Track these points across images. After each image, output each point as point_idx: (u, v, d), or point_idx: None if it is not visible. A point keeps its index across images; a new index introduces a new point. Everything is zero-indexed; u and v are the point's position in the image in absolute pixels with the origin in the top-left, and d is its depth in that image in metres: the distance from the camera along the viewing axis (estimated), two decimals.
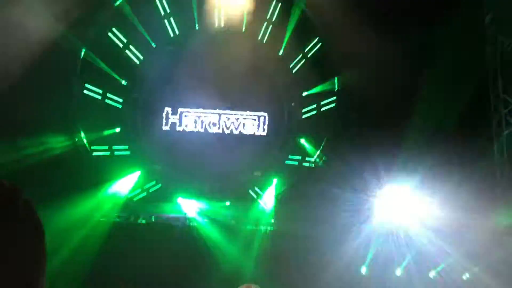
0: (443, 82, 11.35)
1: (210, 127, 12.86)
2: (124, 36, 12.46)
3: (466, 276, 11.26)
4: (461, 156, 11.03)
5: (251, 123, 12.95)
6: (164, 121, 12.80)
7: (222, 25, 12.89)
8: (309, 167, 12.96)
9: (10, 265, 0.99)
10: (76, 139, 12.25)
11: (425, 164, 11.16)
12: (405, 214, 11.66)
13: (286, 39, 12.78)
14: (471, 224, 10.84)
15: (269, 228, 12.09)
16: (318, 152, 12.87)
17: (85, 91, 12.35)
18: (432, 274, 11.56)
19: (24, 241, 1.04)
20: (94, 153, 12.45)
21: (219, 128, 12.89)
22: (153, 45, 12.67)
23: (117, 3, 12.13)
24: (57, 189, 10.92)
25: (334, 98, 12.79)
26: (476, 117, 12.14)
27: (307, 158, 12.98)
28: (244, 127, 12.92)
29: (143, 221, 12.04)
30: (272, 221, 12.25)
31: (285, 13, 12.67)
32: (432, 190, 11.15)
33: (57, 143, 11.72)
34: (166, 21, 12.65)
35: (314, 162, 12.89)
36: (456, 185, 10.59)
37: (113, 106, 12.62)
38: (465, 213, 10.51)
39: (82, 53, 12.17)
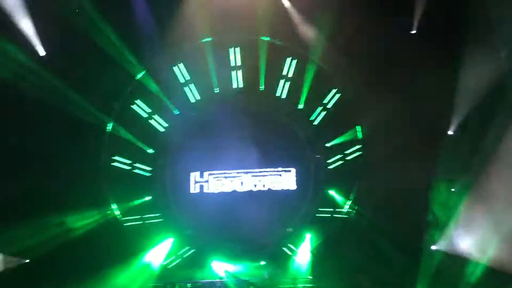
0: (467, 123, 11.26)
1: (238, 187, 12.94)
2: (148, 106, 12.83)
3: None
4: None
5: (279, 179, 12.99)
6: (192, 185, 12.94)
7: (241, 85, 13.19)
8: (341, 218, 12.79)
9: None
10: (108, 211, 12.41)
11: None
12: None
13: (304, 93, 12.98)
14: None
15: (307, 285, 11.81)
16: (348, 202, 12.74)
17: (114, 163, 12.62)
18: None
19: None
20: (127, 224, 12.55)
21: (247, 187, 12.96)
22: (176, 112, 13.00)
23: (139, 76, 12.57)
24: (93, 264, 11.03)
25: (358, 146, 12.77)
26: None
27: (338, 209, 12.84)
28: (272, 183, 12.96)
29: None
30: (310, 277, 11.98)
31: (300, 68, 12.92)
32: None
33: (90, 217, 11.88)
34: (187, 87, 13.03)
35: (346, 212, 12.73)
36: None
37: (141, 175, 12.85)
38: None
39: (109, 126, 12.54)
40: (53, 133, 11.56)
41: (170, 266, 12.45)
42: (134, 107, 12.75)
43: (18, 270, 11.21)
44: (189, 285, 11.88)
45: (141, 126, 12.82)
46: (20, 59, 10.93)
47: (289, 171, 13.04)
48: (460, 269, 10.86)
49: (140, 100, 12.78)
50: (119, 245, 11.97)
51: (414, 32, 11.81)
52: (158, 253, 12.22)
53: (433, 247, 11.44)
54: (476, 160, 10.69)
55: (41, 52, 11.31)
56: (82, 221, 11.68)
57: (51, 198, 11.42)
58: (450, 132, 11.61)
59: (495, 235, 10.30)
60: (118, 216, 12.52)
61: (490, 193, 10.23)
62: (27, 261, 11.35)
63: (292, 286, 11.78)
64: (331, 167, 13.00)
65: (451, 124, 11.56)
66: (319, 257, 12.13)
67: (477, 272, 10.69)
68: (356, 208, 12.62)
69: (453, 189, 11.38)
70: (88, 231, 11.70)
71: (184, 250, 12.63)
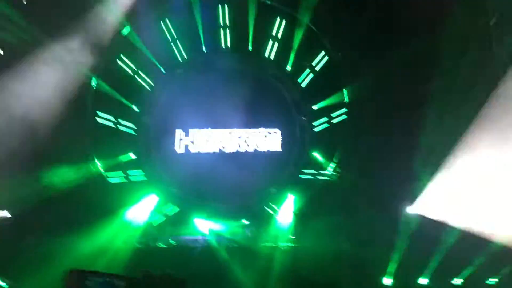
0: (452, 86, 11.30)
1: (223, 147, 12.97)
2: (133, 63, 12.64)
3: None
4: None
5: (264, 139, 13.03)
6: (177, 144, 12.93)
7: (229, 45, 13.02)
8: (324, 180, 12.93)
9: None
10: (92, 167, 12.38)
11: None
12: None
13: (292, 55, 12.89)
14: None
15: (289, 244, 12.04)
16: (332, 165, 12.86)
17: (98, 119, 12.50)
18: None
19: None
20: (111, 180, 12.56)
21: (232, 147, 12.98)
22: (162, 70, 12.83)
23: (125, 31, 12.32)
24: (77, 219, 11.09)
25: (344, 110, 12.80)
26: None
27: (321, 172, 12.97)
28: (258, 145, 13.00)
29: (163, 245, 12.07)
30: (291, 237, 12.20)
31: (290, 29, 12.78)
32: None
33: (74, 172, 11.83)
34: (173, 45, 12.82)
35: (329, 175, 12.87)
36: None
37: (126, 132, 12.77)
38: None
39: (93, 82, 12.35)
40: (37, 87, 11.35)
41: (153, 223, 12.56)
42: (119, 63, 12.55)
43: (1, 224, 11.23)
44: (171, 241, 12.08)
45: (126, 83, 12.64)
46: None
47: (275, 132, 13.08)
48: (438, 232, 11.15)
49: (125, 56, 12.57)
50: (103, 201, 11.97)
51: None
52: (142, 210, 12.28)
53: (412, 210, 11.66)
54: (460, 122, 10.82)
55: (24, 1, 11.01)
56: (66, 176, 11.61)
57: (35, 152, 11.31)
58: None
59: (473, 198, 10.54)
60: (102, 173, 12.51)
61: (474, 153, 10.41)
62: (9, 216, 11.35)
63: (273, 245, 11.98)
64: (316, 129, 13.06)
65: (435, 89, 11.59)
66: (301, 217, 12.32)
67: (453, 235, 10.99)
68: (339, 171, 12.76)
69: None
70: (72, 186, 11.62)
71: (167, 208, 12.72)
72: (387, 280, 11.57)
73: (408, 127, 11.57)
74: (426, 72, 11.60)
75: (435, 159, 11.25)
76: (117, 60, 12.54)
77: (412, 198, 11.67)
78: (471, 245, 10.81)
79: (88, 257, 10.67)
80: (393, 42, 11.60)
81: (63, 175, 11.56)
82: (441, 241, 11.24)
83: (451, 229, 11.13)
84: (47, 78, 11.26)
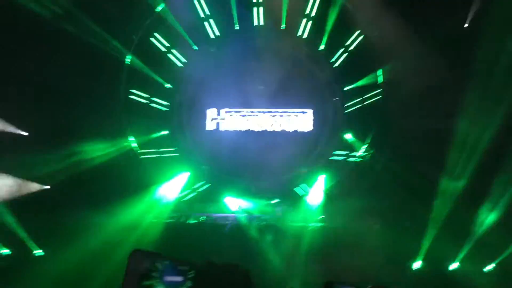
0: (490, 70, 10.95)
1: (254, 126, 12.96)
2: (167, 40, 12.66)
3: None
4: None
5: (295, 119, 12.96)
6: (209, 121, 12.99)
7: (262, 23, 12.89)
8: (355, 162, 12.83)
9: None
10: (125, 143, 12.56)
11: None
12: None
13: (326, 34, 12.68)
14: None
15: (318, 224, 12.05)
16: (364, 146, 12.73)
17: (131, 96, 12.62)
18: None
19: None
20: (143, 156, 12.74)
21: (263, 126, 12.96)
22: (195, 47, 12.83)
23: (158, 8, 12.32)
24: (110, 193, 11.29)
25: (378, 91, 12.59)
26: None
27: (352, 153, 12.87)
28: (289, 124, 12.94)
29: (194, 221, 12.25)
30: (321, 217, 12.20)
31: (324, 7, 12.55)
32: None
33: (107, 148, 12.04)
34: (206, 23, 12.78)
35: (361, 156, 12.75)
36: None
37: (159, 109, 12.88)
38: None
39: (127, 59, 12.45)
40: (72, 64, 11.50)
41: (185, 199, 12.74)
42: (152, 40, 12.59)
43: (34, 196, 11.54)
44: (203, 217, 12.23)
45: (159, 61, 12.70)
46: None
47: (306, 112, 13.00)
48: (472, 217, 10.98)
49: (159, 33, 12.60)
50: (136, 177, 12.22)
51: None
52: (174, 186, 12.46)
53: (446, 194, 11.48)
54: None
55: None
56: (99, 152, 11.83)
57: (70, 127, 11.53)
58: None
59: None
60: (135, 148, 12.69)
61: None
62: (46, 187, 11.66)
63: (303, 224, 12.01)
64: (348, 110, 12.91)
65: (472, 72, 11.27)
66: (332, 198, 12.29)
67: (489, 220, 10.81)
68: (371, 152, 12.63)
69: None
70: (105, 161, 11.87)
71: (199, 184, 12.87)
72: (416, 264, 11.47)
73: (442, 110, 11.32)
74: (462, 55, 11.28)
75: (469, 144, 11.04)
76: (151, 37, 12.56)
77: (444, 183, 11.48)
78: (505, 231, 10.63)
79: (119, 232, 10.91)
80: (430, 23, 11.27)
81: (97, 151, 11.78)
82: (474, 226, 11.08)
83: (483, 214, 10.96)
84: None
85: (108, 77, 12.30)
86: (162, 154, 12.88)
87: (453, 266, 11.39)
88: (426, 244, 11.31)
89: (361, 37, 12.57)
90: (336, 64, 12.88)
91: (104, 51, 11.68)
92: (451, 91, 11.24)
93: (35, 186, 11.64)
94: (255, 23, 12.89)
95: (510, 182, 10.76)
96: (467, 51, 11.20)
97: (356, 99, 12.84)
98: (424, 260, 11.42)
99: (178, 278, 1.80)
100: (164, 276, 1.84)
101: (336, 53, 12.82)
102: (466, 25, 11.61)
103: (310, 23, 12.79)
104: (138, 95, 12.67)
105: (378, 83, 12.64)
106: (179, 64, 12.88)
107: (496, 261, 11.21)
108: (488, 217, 10.85)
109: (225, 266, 1.54)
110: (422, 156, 11.31)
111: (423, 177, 11.32)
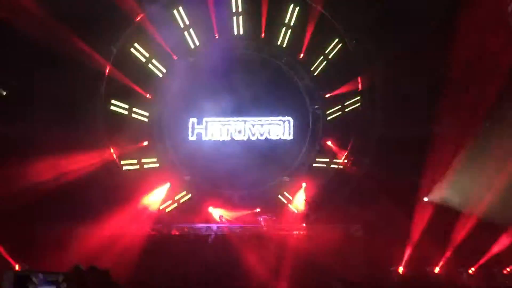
0: (468, 73, 11.12)
1: (236, 135, 12.96)
2: (146, 50, 12.62)
3: None
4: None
5: (277, 128, 13.00)
6: (190, 131, 12.96)
7: (241, 32, 12.94)
8: (336, 169, 12.90)
9: None
10: (106, 155, 12.43)
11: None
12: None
13: (306, 42, 12.77)
14: None
15: (301, 232, 12.05)
16: (345, 154, 12.82)
17: (112, 107, 12.53)
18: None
19: None
20: (124, 167, 12.64)
21: (244, 135, 12.97)
22: (175, 57, 12.80)
23: (138, 18, 12.28)
24: (92, 206, 11.15)
25: (358, 98, 12.71)
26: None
27: (334, 160, 12.94)
28: (270, 133, 12.97)
29: (176, 233, 12.16)
30: (304, 225, 12.22)
31: (303, 16, 12.65)
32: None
33: (88, 160, 11.89)
34: (186, 33, 12.78)
35: (342, 163, 12.83)
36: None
37: (139, 120, 12.80)
38: None
39: (107, 70, 12.35)
40: (51, 75, 11.38)
41: (167, 210, 12.65)
42: (132, 50, 12.54)
43: (14, 211, 11.33)
44: (185, 228, 12.16)
45: (139, 71, 12.64)
46: None
47: (287, 120, 13.05)
48: (452, 221, 11.11)
49: (138, 44, 12.56)
50: (117, 189, 12.08)
51: None
52: (156, 197, 12.38)
53: (426, 199, 11.62)
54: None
55: None
56: (80, 164, 11.69)
57: (49, 140, 11.38)
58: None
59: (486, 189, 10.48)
60: (115, 160, 12.59)
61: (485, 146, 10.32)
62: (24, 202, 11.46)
63: (286, 232, 11.99)
64: (329, 118, 13.00)
65: (451, 77, 11.43)
66: (314, 206, 12.32)
67: (468, 224, 10.94)
68: (352, 159, 12.72)
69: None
70: (86, 174, 11.72)
71: (181, 195, 12.80)
72: (398, 268, 11.55)
73: (421, 116, 11.47)
74: (441, 59, 11.43)
75: (450, 147, 11.17)
76: (130, 47, 12.51)
77: (425, 187, 11.61)
78: (484, 235, 10.77)
79: (102, 244, 10.76)
80: (408, 29, 11.41)
81: (78, 163, 11.63)
82: (454, 230, 11.21)
83: (465, 218, 11.09)
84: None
85: (88, 88, 12.20)
86: (143, 165, 12.79)
87: (435, 270, 11.49)
88: (407, 249, 11.40)
89: (340, 45, 12.69)
90: (316, 72, 12.97)
91: (83, 62, 11.56)
92: (430, 97, 11.39)
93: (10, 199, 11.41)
94: (235, 32, 12.95)
95: (489, 185, 10.90)
96: (446, 57, 11.38)
97: (336, 106, 12.92)
98: (405, 265, 11.49)
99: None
100: None
101: (316, 61, 12.92)
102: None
103: (289, 31, 12.88)
104: (118, 106, 12.57)
105: (357, 90, 12.75)
106: (159, 74, 12.83)
107: (477, 265, 11.35)
108: (468, 221, 10.96)
109: (88, 269, 1.76)
110: (403, 162, 11.42)
111: (403, 182, 11.45)
